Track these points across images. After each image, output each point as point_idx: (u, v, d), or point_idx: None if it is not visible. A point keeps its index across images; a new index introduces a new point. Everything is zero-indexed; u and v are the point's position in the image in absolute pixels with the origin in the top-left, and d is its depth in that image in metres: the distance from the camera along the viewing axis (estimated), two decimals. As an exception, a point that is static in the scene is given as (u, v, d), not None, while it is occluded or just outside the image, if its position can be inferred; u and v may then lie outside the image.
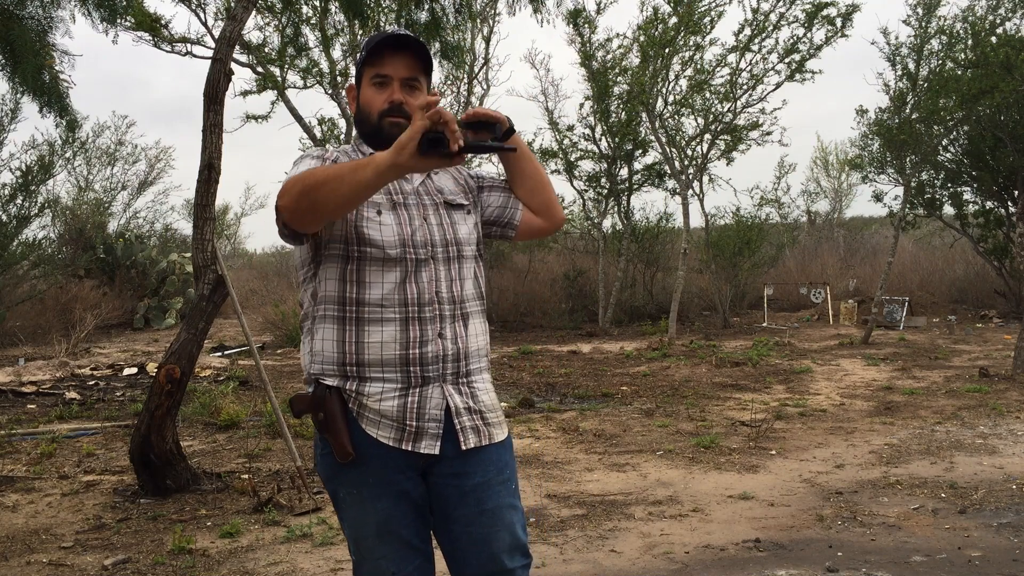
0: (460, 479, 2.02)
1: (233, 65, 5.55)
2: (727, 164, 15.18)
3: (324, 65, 12.11)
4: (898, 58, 11.94)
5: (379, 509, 2.00)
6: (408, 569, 2.02)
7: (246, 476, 5.33)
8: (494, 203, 2.23)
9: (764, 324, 15.21)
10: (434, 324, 2.00)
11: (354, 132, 2.24)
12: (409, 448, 1.98)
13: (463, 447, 2.01)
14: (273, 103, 12.14)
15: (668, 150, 14.40)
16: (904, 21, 11.82)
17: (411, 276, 1.99)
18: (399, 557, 2.02)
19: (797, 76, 13.43)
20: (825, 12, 12.79)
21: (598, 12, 14.29)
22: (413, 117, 1.69)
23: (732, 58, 13.80)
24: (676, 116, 14.56)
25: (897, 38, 12.27)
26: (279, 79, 11.41)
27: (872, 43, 12.72)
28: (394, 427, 1.98)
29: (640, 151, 15.54)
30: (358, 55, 2.07)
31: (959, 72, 11.47)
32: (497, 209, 2.23)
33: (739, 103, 14.13)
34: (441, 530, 2.07)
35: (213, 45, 9.35)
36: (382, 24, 9.57)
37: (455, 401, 2.01)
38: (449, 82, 14.16)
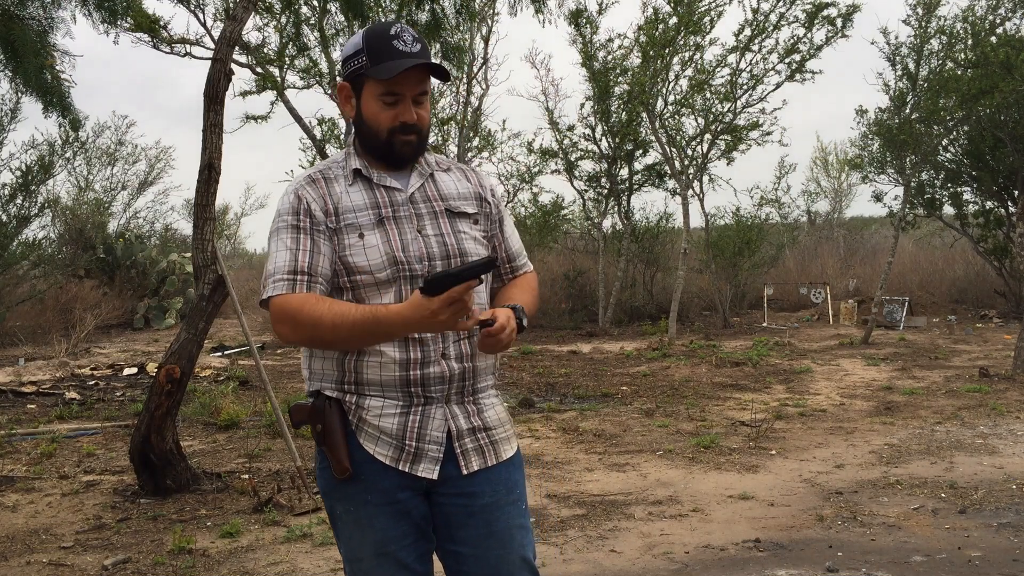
0: (467, 499, 1.92)
1: (233, 65, 5.56)
2: (727, 164, 15.18)
3: (323, 65, 12.10)
4: (898, 58, 11.94)
5: (377, 528, 1.89)
6: None
7: (246, 476, 5.33)
8: (514, 246, 2.12)
9: (764, 324, 15.20)
10: (436, 344, 1.88)
11: (348, 138, 2.12)
12: (406, 470, 1.88)
13: (464, 471, 1.91)
14: (272, 103, 12.14)
15: (668, 150, 14.40)
16: (904, 21, 11.82)
17: (407, 295, 1.84)
18: None
19: (797, 76, 13.43)
20: (825, 12, 12.79)
21: (600, 13, 14.30)
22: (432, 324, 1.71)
23: (732, 58, 13.81)
24: (676, 116, 14.56)
25: (897, 38, 12.22)
26: (278, 79, 11.40)
27: (872, 43, 12.66)
28: (393, 445, 1.88)
29: (640, 151, 15.53)
30: (356, 55, 1.90)
31: (959, 72, 11.46)
32: (515, 252, 2.12)
33: (739, 103, 14.12)
34: (446, 551, 1.97)
35: (212, 46, 9.37)
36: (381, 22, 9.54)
37: (459, 423, 1.92)
38: (449, 82, 14.16)
